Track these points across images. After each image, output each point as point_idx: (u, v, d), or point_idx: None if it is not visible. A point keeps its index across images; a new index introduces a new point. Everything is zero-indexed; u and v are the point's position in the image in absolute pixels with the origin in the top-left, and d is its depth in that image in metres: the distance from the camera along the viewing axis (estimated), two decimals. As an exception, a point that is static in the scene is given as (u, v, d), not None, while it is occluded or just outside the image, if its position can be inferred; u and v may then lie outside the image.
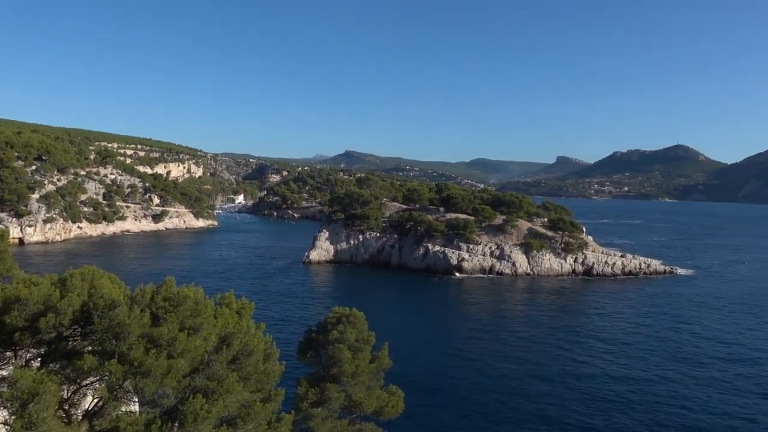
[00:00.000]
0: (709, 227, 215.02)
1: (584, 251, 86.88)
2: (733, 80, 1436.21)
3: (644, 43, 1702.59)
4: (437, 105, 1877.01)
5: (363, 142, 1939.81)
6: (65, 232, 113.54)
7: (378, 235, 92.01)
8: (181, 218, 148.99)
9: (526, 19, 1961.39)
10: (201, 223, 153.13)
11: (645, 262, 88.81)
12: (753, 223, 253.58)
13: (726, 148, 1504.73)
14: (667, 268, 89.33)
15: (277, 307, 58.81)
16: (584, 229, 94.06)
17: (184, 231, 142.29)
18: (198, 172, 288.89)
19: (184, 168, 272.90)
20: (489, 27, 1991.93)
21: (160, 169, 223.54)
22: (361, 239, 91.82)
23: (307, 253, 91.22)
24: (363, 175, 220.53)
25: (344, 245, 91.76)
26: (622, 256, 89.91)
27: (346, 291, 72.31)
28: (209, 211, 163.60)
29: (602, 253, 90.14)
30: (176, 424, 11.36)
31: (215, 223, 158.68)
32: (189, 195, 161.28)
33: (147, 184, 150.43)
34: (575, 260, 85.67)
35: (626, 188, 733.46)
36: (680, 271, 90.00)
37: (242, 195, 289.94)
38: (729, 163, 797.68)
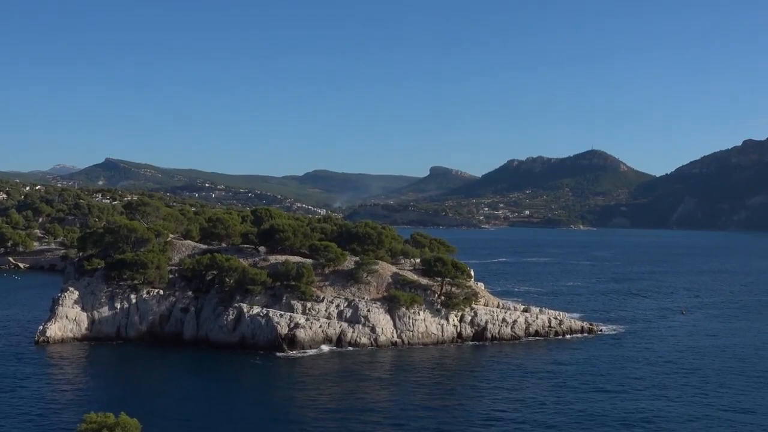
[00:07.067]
0: (638, 264, 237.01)
1: (473, 305, 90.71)
2: (657, 73, 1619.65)
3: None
4: (248, 95, 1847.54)
5: (134, 146, 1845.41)
6: None
7: (162, 293, 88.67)
8: None
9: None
10: None
11: (556, 318, 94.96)
12: (694, 255, 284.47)
13: (651, 155, 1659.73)
14: (586, 325, 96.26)
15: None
16: (473, 273, 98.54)
17: None
18: None
19: None
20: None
21: None
22: (134, 301, 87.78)
23: (42, 327, 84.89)
24: (135, 197, 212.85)
25: (106, 311, 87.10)
26: (525, 310, 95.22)
27: (109, 387, 68.13)
28: None
29: (498, 307, 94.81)
30: None
31: None
32: None
33: None
34: (461, 319, 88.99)
35: (527, 212, 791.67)
36: (604, 328, 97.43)
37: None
38: (657, 176, 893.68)
